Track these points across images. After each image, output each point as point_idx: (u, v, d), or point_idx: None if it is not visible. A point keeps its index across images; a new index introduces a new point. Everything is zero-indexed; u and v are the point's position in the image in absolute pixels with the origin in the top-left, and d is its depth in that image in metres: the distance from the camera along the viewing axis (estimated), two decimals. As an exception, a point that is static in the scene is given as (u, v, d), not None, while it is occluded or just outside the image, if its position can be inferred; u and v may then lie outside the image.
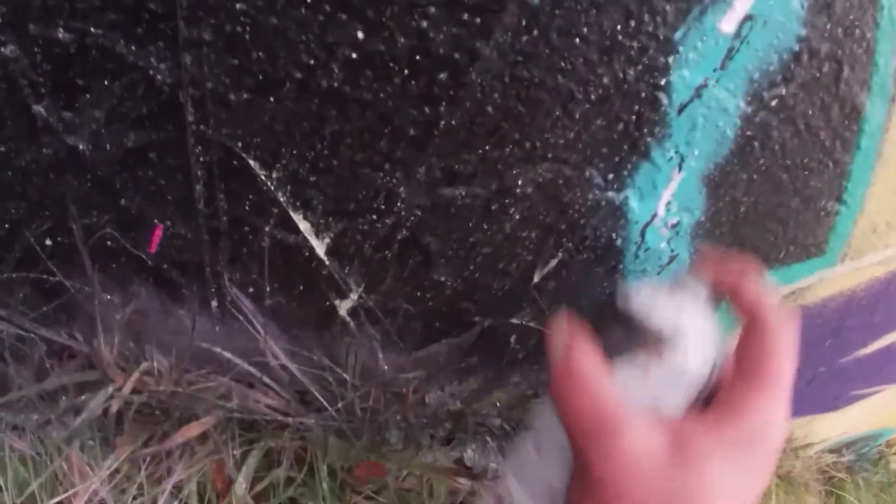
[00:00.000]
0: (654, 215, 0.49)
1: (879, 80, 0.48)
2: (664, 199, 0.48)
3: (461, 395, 0.61)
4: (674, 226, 0.50)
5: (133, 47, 0.39)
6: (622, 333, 0.32)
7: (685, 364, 0.30)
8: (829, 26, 0.43)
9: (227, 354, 0.53)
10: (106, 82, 0.40)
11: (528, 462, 0.35)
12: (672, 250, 0.52)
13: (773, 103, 0.45)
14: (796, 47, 0.43)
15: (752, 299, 0.32)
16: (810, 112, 0.47)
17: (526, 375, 0.62)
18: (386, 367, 0.56)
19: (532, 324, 0.56)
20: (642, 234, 0.50)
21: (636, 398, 0.30)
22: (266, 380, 0.55)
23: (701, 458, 0.28)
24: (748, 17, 0.41)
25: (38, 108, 0.40)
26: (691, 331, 0.31)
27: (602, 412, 0.29)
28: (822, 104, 0.47)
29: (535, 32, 0.39)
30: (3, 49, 0.37)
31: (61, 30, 0.38)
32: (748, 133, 0.46)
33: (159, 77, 0.40)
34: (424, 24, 0.38)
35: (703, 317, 0.32)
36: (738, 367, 0.31)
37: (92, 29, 0.38)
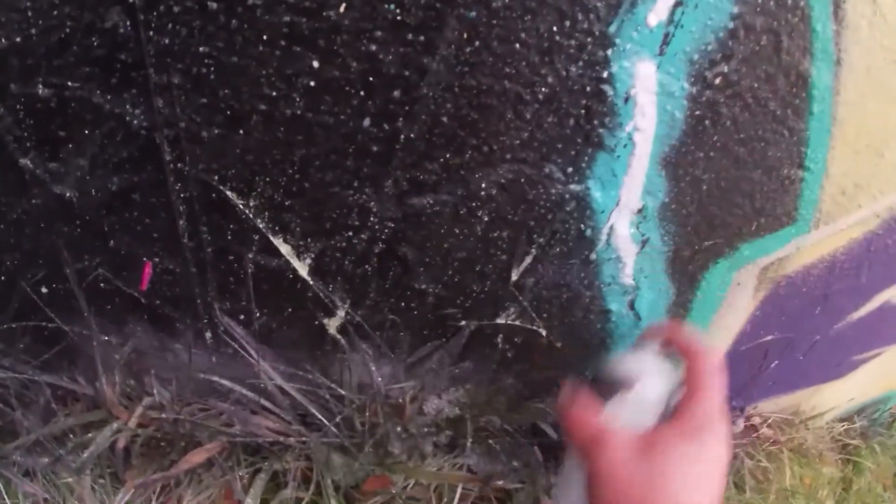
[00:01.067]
0: (619, 202, 0.51)
1: (821, 45, 0.49)
2: (625, 185, 0.50)
3: (459, 401, 0.62)
4: (640, 210, 0.52)
5: (108, 96, 0.42)
6: (608, 385, 0.50)
7: (645, 395, 0.48)
8: (760, 0, 0.45)
9: (226, 382, 0.55)
10: (86, 131, 0.43)
11: (561, 498, 0.51)
12: (643, 234, 0.54)
13: (717, 81, 0.47)
14: (731, 25, 0.45)
15: (686, 346, 0.49)
16: (756, 85, 0.49)
17: (519, 376, 0.63)
18: (380, 380, 0.58)
19: (518, 322, 0.58)
20: (609, 221, 0.52)
21: (622, 422, 0.45)
22: (266, 403, 0.57)
23: (662, 452, 0.41)
24: (679, 3, 0.43)
25: (25, 161, 0.42)
26: (648, 373, 0.49)
27: (594, 434, 0.44)
28: (767, 76, 0.49)
29: (477, 43, 0.41)
30: (-14, 110, 0.40)
31: (41, 86, 0.40)
32: (697, 112, 0.48)
33: (135, 122, 0.43)
34: (373, 47, 0.41)
35: (657, 363, 0.50)
36: (685, 388, 0.46)
37: (69, 83, 0.41)
